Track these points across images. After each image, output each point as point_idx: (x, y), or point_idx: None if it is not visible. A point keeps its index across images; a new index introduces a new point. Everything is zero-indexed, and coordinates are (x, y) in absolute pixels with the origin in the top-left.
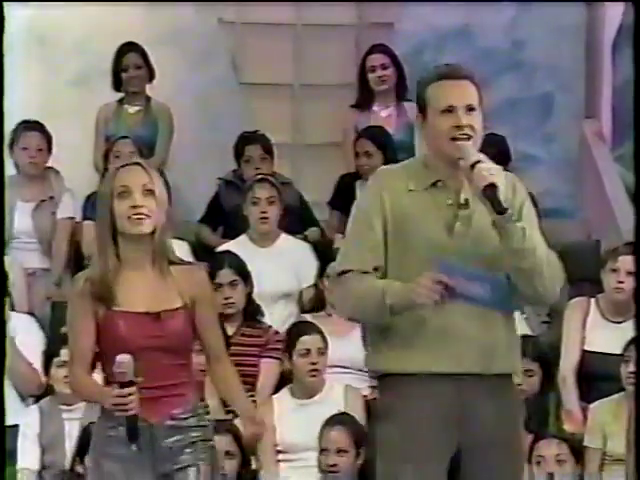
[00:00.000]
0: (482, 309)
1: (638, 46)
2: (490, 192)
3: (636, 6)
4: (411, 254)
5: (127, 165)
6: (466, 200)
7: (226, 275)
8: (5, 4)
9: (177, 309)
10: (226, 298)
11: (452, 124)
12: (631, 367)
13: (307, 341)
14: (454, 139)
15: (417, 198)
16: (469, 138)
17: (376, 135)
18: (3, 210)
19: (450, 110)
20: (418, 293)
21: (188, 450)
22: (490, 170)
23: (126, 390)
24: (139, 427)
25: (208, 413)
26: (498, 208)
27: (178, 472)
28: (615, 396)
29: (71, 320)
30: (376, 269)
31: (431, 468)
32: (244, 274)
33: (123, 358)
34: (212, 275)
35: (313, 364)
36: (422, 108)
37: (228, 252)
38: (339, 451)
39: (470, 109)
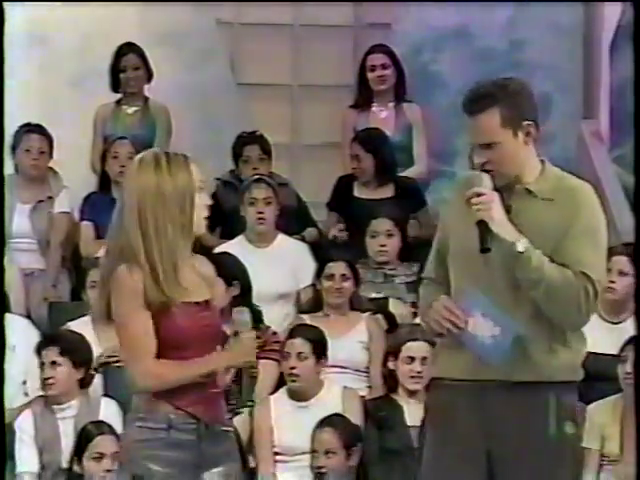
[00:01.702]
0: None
1: (638, 46)
2: (479, 228)
3: (636, 6)
4: (456, 264)
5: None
6: (509, 207)
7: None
8: (4, 4)
9: (211, 299)
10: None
11: (475, 160)
12: (628, 367)
13: (288, 344)
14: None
15: (465, 206)
16: (488, 171)
17: (367, 139)
18: (3, 211)
19: (472, 146)
20: (431, 318)
21: (226, 459)
22: (480, 206)
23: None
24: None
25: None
26: (480, 246)
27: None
28: (612, 397)
29: (130, 321)
30: (435, 280)
31: (462, 472)
32: (242, 274)
33: (243, 310)
34: None
35: (291, 368)
36: None
37: (226, 253)
38: (327, 453)
39: (487, 145)
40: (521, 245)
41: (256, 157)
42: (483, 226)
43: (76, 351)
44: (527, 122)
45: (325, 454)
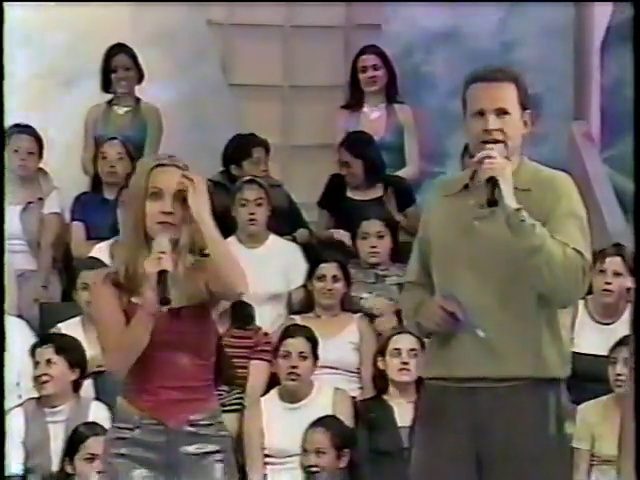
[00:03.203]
0: (494, 313)
1: (638, 46)
2: (489, 183)
3: (636, 6)
4: (434, 260)
5: (163, 165)
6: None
7: None
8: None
9: (198, 305)
10: None
11: (482, 127)
12: (618, 368)
13: (288, 344)
14: (484, 142)
15: (447, 202)
16: (497, 142)
17: (355, 144)
18: (3, 211)
19: (481, 113)
20: (425, 317)
21: (207, 460)
22: (493, 164)
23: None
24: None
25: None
26: (489, 198)
27: None
28: (603, 398)
29: (98, 307)
30: (418, 282)
31: (452, 473)
32: None
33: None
34: None
35: (293, 367)
36: (463, 109)
37: None
38: (317, 452)
39: (501, 113)
40: (525, 212)
41: (264, 158)
42: (493, 182)
43: (71, 351)
44: (529, 111)
45: (315, 453)
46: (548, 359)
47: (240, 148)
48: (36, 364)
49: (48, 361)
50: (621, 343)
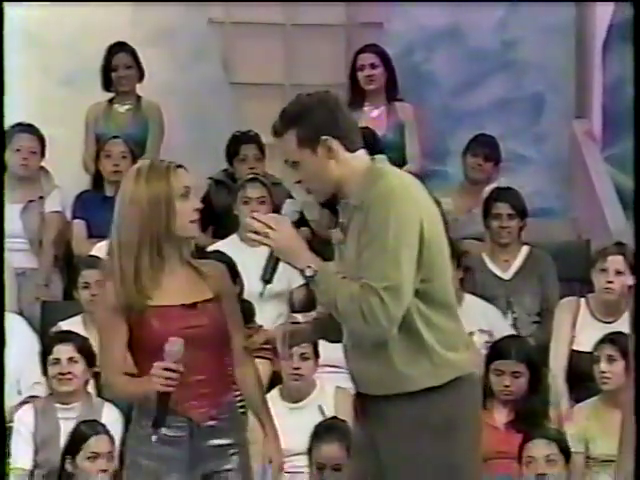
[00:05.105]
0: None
1: (638, 46)
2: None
3: (636, 6)
4: None
5: (179, 167)
6: (342, 224)
7: None
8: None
9: (210, 300)
10: None
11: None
12: (602, 366)
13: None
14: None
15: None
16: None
17: None
18: (3, 210)
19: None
20: None
21: (228, 452)
22: (261, 236)
23: (174, 366)
24: (167, 417)
25: (244, 414)
26: (261, 275)
27: (218, 474)
28: (594, 398)
29: (102, 331)
30: None
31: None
32: (233, 273)
33: (177, 340)
34: None
35: (295, 369)
36: None
37: (217, 252)
38: (335, 468)
39: (293, 164)
40: (309, 271)
41: (253, 156)
42: (268, 256)
43: (89, 352)
44: (324, 137)
45: (333, 470)
46: (407, 376)
47: (229, 146)
48: (55, 361)
49: (70, 359)
50: (604, 340)
